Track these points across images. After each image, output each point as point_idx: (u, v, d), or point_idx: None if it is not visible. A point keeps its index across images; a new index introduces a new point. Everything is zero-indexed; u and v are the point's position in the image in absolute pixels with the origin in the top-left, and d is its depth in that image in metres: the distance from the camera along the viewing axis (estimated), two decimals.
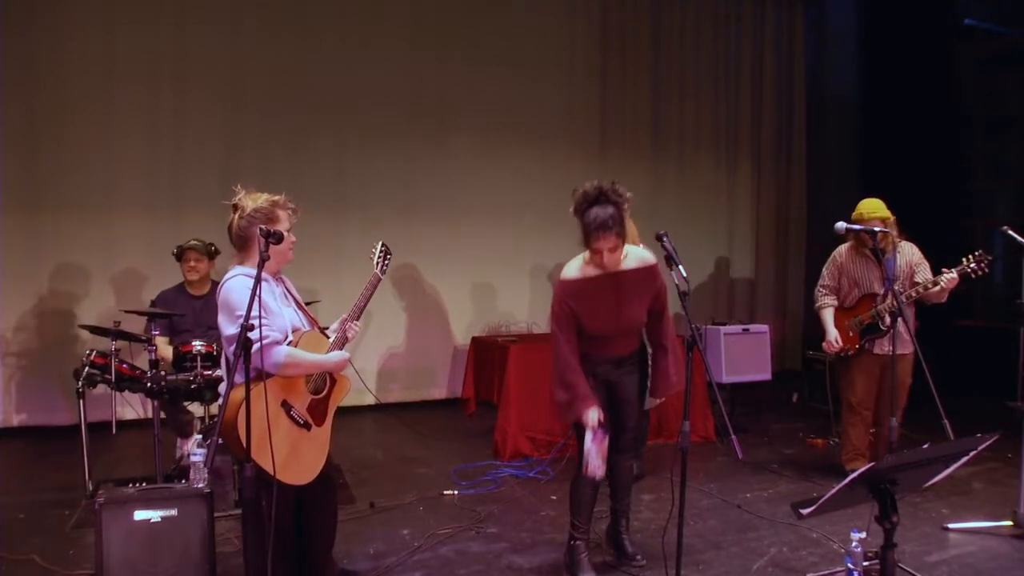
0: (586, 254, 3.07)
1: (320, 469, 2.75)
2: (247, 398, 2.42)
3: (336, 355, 2.79)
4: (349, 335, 2.89)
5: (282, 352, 2.63)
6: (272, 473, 2.52)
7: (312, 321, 2.93)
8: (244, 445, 2.43)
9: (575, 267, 3.12)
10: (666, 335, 3.21)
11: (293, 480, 2.63)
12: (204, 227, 5.48)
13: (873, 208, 4.37)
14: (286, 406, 2.67)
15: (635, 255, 3.13)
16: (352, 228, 6.25)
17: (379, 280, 3.08)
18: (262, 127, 6.24)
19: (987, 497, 4.30)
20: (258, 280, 2.47)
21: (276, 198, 2.85)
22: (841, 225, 4.20)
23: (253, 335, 2.43)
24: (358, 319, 2.94)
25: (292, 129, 6.33)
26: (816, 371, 7.43)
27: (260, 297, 2.47)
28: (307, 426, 2.73)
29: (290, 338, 2.71)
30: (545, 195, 7.12)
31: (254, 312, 2.43)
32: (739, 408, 6.22)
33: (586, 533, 3.27)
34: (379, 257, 3.14)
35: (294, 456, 2.64)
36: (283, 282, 2.91)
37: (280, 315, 2.73)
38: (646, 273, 3.11)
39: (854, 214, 4.40)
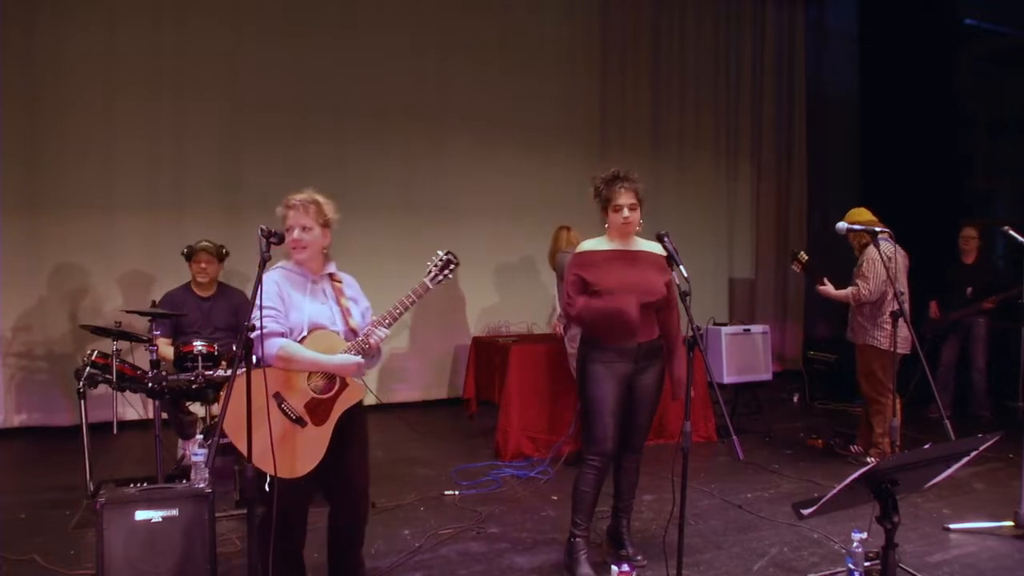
0: (605, 236, 3.27)
1: (311, 469, 2.68)
2: (248, 387, 2.45)
3: (340, 358, 2.72)
4: (372, 340, 2.77)
5: (276, 344, 2.65)
6: (252, 459, 2.51)
7: (345, 322, 2.87)
8: (235, 430, 2.51)
9: (591, 242, 3.29)
10: (675, 330, 3.33)
11: (272, 470, 2.58)
12: (205, 227, 5.49)
13: (856, 214, 4.85)
14: (278, 398, 2.68)
15: (652, 244, 3.26)
16: (352, 228, 6.16)
17: (426, 290, 2.89)
18: (262, 127, 6.24)
19: (988, 497, 4.30)
20: (258, 281, 2.51)
21: (288, 199, 2.85)
22: (842, 225, 4.28)
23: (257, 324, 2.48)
24: (389, 326, 2.82)
25: (292, 129, 6.33)
26: (817, 371, 7.45)
27: (260, 292, 2.51)
28: (300, 422, 2.69)
29: (304, 333, 2.73)
30: (545, 195, 7.14)
31: (261, 310, 2.52)
32: (740, 408, 6.22)
33: (586, 531, 3.27)
34: (437, 266, 2.94)
35: (280, 448, 2.61)
36: (328, 279, 2.90)
37: (298, 309, 2.75)
38: (660, 259, 3.20)
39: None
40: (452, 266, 2.96)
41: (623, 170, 3.22)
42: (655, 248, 3.24)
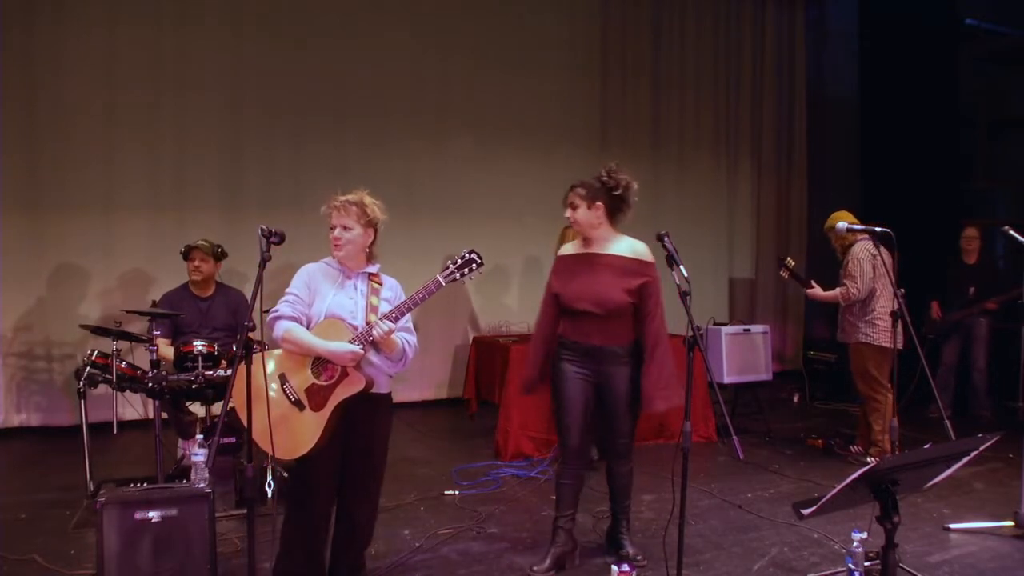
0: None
1: (304, 452, 2.72)
2: (247, 367, 2.55)
3: (334, 344, 2.74)
4: (374, 333, 2.75)
5: (282, 326, 2.78)
6: (252, 434, 2.62)
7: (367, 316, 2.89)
8: (241, 405, 2.60)
9: (567, 246, 3.44)
10: (649, 338, 3.20)
11: (267, 447, 2.66)
12: (206, 227, 5.49)
13: (839, 217, 4.89)
14: (282, 379, 2.79)
15: (628, 245, 3.26)
16: None
17: (438, 287, 2.86)
18: (263, 127, 6.23)
19: (988, 497, 4.30)
20: (258, 280, 2.55)
21: (332, 199, 2.93)
22: (843, 225, 4.30)
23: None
24: (395, 320, 2.80)
25: (293, 129, 6.33)
26: (817, 371, 7.45)
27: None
28: (299, 405, 2.76)
29: (318, 320, 2.82)
30: (545, 195, 7.11)
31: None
32: (740, 408, 6.22)
33: (568, 520, 3.34)
34: (456, 264, 2.91)
35: (278, 428, 2.68)
36: (366, 277, 2.93)
37: (323, 298, 2.84)
38: (631, 263, 3.20)
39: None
40: (474, 266, 2.91)
41: (605, 167, 3.26)
42: (629, 250, 3.22)
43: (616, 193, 3.22)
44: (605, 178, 3.22)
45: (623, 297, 3.16)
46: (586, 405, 3.27)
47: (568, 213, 3.28)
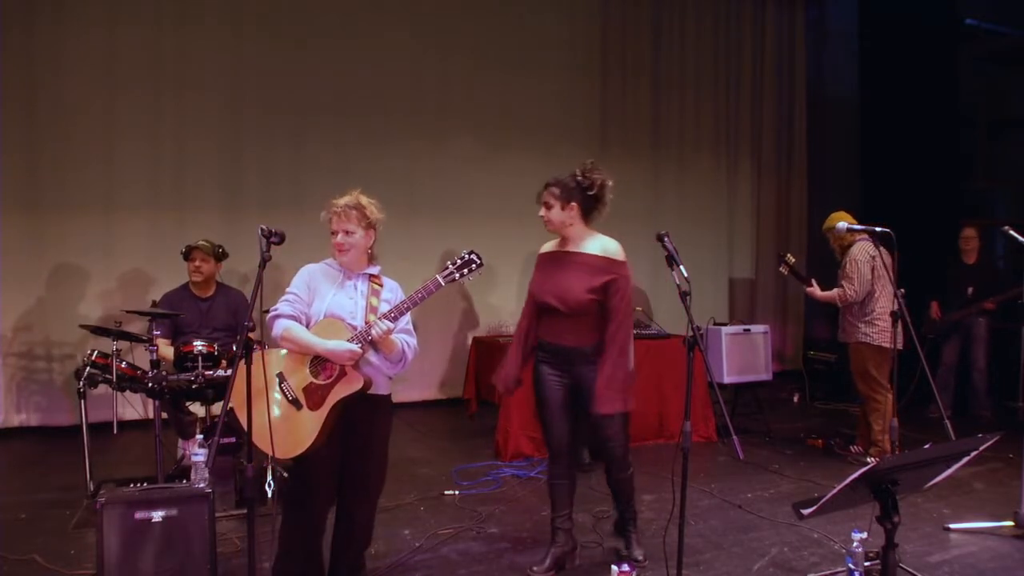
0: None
1: (301, 452, 2.71)
2: (248, 366, 2.55)
3: (332, 343, 2.73)
4: (373, 332, 2.73)
5: (281, 325, 2.79)
6: (251, 433, 2.61)
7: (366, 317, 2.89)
8: (240, 404, 2.60)
9: (546, 244, 3.46)
10: (608, 336, 3.12)
11: (263, 446, 2.66)
12: (206, 227, 5.50)
13: (837, 218, 4.89)
14: (280, 378, 2.80)
15: (599, 244, 3.25)
16: None
17: (438, 287, 2.84)
18: (263, 128, 6.24)
19: (988, 497, 4.30)
20: (258, 280, 2.55)
21: (332, 204, 2.93)
22: (843, 225, 4.30)
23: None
24: (394, 319, 2.79)
25: (293, 129, 6.33)
26: (817, 371, 7.45)
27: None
28: (296, 404, 2.76)
29: (318, 319, 2.83)
30: None
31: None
32: (740, 408, 6.22)
33: (564, 520, 3.34)
34: (455, 264, 2.89)
35: (275, 426, 2.68)
36: (367, 278, 2.94)
37: (322, 298, 2.85)
38: (601, 261, 3.18)
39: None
40: (473, 267, 2.89)
41: (580, 167, 3.28)
42: (599, 249, 3.21)
43: (591, 193, 3.21)
44: (580, 178, 3.21)
45: (586, 295, 3.13)
46: (566, 405, 3.26)
47: (542, 212, 3.28)
